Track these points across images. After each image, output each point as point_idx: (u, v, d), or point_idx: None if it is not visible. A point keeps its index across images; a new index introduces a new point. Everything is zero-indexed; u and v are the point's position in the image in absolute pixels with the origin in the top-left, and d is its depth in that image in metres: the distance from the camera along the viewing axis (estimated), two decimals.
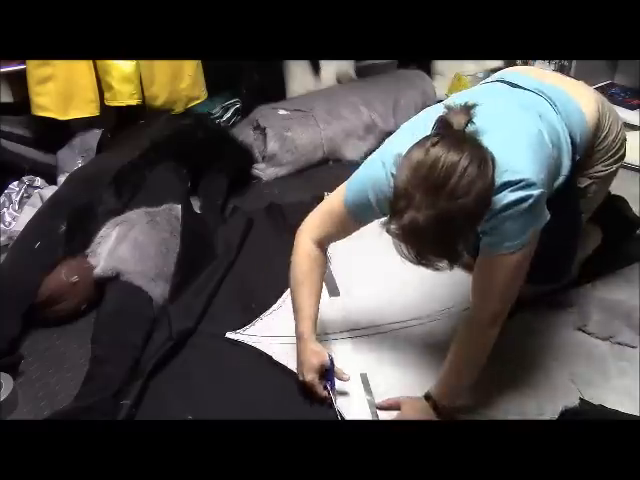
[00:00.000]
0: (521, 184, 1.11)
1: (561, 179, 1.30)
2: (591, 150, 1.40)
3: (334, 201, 1.37)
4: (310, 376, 1.34)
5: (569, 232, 1.45)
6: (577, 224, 1.48)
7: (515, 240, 1.15)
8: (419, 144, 1.07)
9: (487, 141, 1.10)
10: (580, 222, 1.49)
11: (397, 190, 1.06)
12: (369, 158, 1.33)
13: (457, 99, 1.22)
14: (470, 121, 1.09)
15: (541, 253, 1.22)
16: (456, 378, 1.30)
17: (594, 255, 1.69)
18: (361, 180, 1.31)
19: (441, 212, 1.03)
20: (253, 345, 1.55)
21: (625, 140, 1.47)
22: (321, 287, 1.43)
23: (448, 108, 1.12)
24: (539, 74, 1.43)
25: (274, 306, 1.68)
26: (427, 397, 1.30)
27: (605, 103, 1.44)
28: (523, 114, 1.24)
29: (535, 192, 1.12)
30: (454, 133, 1.08)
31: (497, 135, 1.14)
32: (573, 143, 1.31)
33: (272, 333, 1.58)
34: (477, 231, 1.16)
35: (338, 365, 1.42)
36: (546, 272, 1.38)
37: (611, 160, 1.44)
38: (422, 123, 1.22)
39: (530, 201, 1.12)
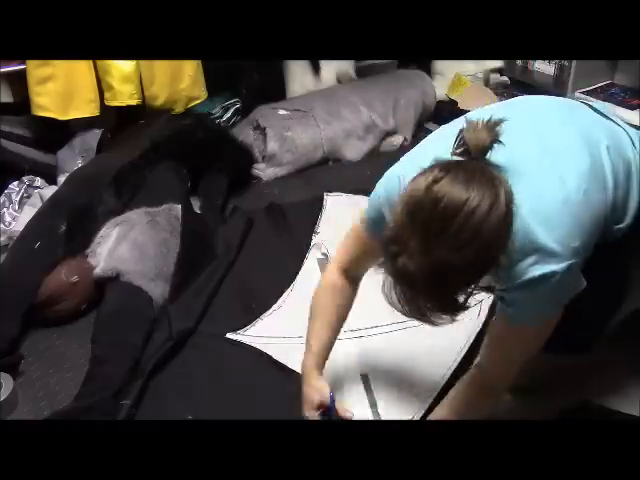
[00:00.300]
0: (547, 258, 0.94)
1: (622, 226, 1.09)
2: None
3: (355, 221, 1.24)
4: (310, 413, 1.26)
5: (608, 294, 1.19)
6: (620, 285, 1.21)
7: (538, 314, 1.02)
8: (423, 174, 0.90)
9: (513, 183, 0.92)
10: (624, 283, 1.21)
11: (389, 230, 0.92)
12: (389, 170, 1.16)
13: (490, 110, 1.04)
14: (494, 143, 0.91)
15: (568, 316, 1.05)
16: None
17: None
18: (378, 194, 1.15)
19: (437, 262, 0.87)
20: (253, 345, 1.55)
21: None
22: (340, 320, 1.30)
23: (469, 123, 0.92)
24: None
25: (274, 306, 1.68)
26: None
27: None
28: (579, 147, 1.02)
29: (562, 266, 0.95)
30: (466, 164, 0.90)
31: (528, 179, 0.95)
32: None
33: (272, 333, 1.58)
34: (492, 287, 1.05)
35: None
36: (569, 340, 1.14)
37: None
38: (451, 133, 0.98)
39: (557, 277, 0.95)
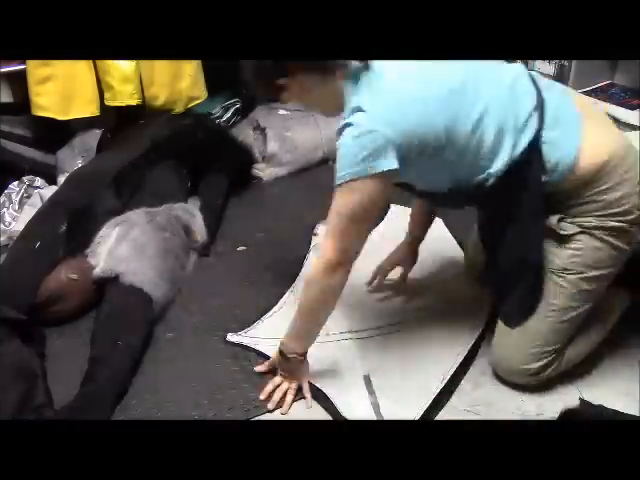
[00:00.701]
0: (356, 114, 1.18)
1: (492, 171, 1.23)
2: (575, 194, 1.24)
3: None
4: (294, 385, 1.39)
5: (524, 246, 1.30)
6: (531, 243, 1.30)
7: (342, 170, 1.17)
8: None
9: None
10: (535, 246, 1.30)
11: None
12: None
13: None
14: None
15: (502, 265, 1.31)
16: (302, 325, 1.33)
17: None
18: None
19: None
20: (254, 347, 1.55)
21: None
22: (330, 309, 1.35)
23: None
24: (578, 100, 1.34)
25: (275, 307, 1.68)
26: (279, 348, 1.37)
27: (631, 163, 1.25)
28: (459, 73, 1.25)
29: (363, 122, 1.16)
30: None
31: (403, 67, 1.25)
32: (535, 156, 1.22)
33: (273, 334, 1.58)
34: None
35: (342, 368, 1.46)
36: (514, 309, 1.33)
37: (610, 218, 1.24)
38: None
39: (357, 130, 1.16)
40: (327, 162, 2.49)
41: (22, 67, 2.09)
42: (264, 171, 2.39)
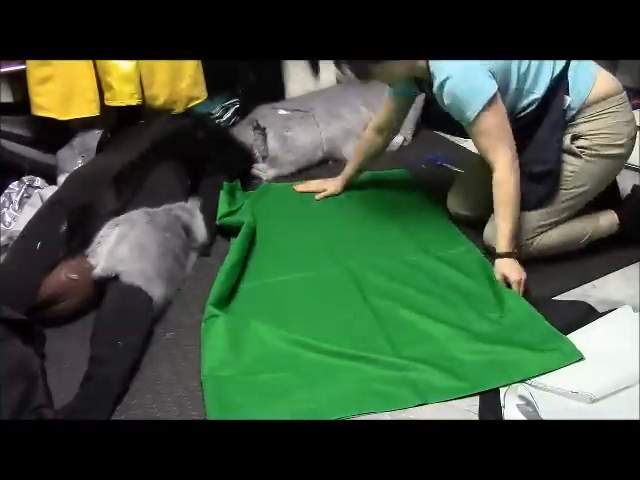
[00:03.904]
0: (456, 67, 1.52)
1: (538, 96, 1.62)
2: (585, 114, 1.62)
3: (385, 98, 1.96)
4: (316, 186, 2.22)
5: (544, 155, 1.64)
6: (552, 153, 1.64)
7: (472, 105, 1.53)
8: None
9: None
10: (554, 153, 1.64)
11: None
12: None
13: None
14: None
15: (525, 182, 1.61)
16: (508, 222, 1.59)
17: (610, 241, 1.79)
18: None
19: None
20: None
21: (632, 139, 1.67)
22: (367, 157, 2.09)
23: None
24: None
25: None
26: (500, 255, 1.63)
27: (626, 101, 1.67)
28: None
29: (464, 67, 1.51)
30: None
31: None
32: (564, 80, 1.59)
33: None
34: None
35: None
36: (526, 196, 1.63)
37: (607, 144, 1.63)
38: None
39: (463, 75, 1.51)
40: (327, 162, 2.50)
41: (22, 67, 2.08)
42: (264, 171, 2.39)
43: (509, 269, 1.60)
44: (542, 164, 1.64)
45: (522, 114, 1.65)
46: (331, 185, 2.18)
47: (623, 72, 2.60)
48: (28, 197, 2.07)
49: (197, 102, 2.41)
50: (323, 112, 2.49)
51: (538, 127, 1.64)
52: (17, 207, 2.03)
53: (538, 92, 1.61)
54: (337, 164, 2.48)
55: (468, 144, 2.48)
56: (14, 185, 2.09)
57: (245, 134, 2.44)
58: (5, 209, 2.01)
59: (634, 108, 2.39)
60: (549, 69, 1.60)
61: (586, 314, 1.55)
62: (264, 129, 2.41)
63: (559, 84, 1.60)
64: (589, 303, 1.60)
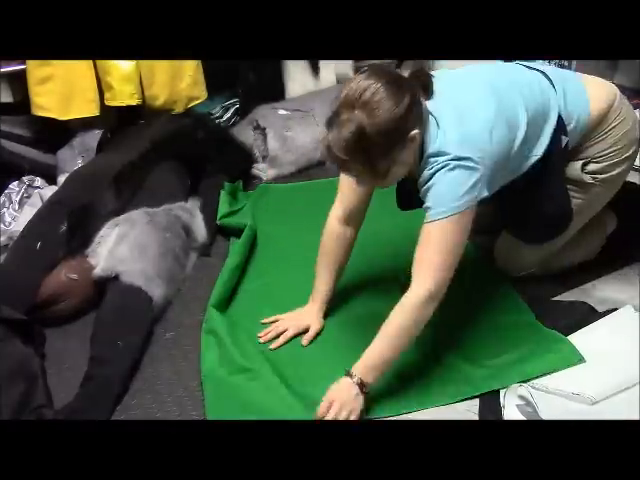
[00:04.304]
0: (450, 157, 1.25)
1: (539, 155, 1.43)
2: (591, 136, 1.50)
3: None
4: (292, 331, 1.53)
5: (554, 202, 1.54)
6: (562, 198, 1.54)
7: (442, 207, 1.26)
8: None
9: (435, 107, 1.30)
10: (565, 197, 1.54)
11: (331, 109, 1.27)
12: None
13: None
14: (421, 77, 1.29)
15: (529, 217, 1.55)
16: (382, 352, 1.29)
17: (611, 239, 1.76)
18: None
19: (357, 127, 1.18)
20: None
21: (637, 141, 1.56)
22: (339, 263, 1.55)
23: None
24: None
25: None
26: (348, 374, 1.29)
27: (624, 102, 1.54)
28: (500, 85, 1.38)
29: (453, 163, 1.25)
30: (384, 69, 1.28)
31: (457, 94, 1.33)
32: (561, 125, 1.43)
33: None
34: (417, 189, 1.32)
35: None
36: (536, 233, 1.59)
37: (617, 161, 1.53)
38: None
39: (451, 171, 1.25)
40: (327, 162, 2.50)
41: (22, 67, 2.08)
42: (264, 171, 2.39)
43: (343, 402, 1.26)
44: (554, 207, 1.53)
45: (524, 173, 1.46)
46: (312, 321, 1.56)
47: (623, 72, 2.60)
48: (28, 197, 2.07)
49: (197, 102, 2.41)
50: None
51: (544, 174, 1.48)
52: (17, 207, 2.03)
53: (540, 151, 1.43)
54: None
55: None
56: (14, 185, 2.09)
57: (245, 134, 2.44)
58: (5, 209, 2.01)
59: (634, 108, 2.40)
60: (549, 127, 1.43)
61: (586, 315, 1.55)
62: (264, 129, 2.41)
63: (557, 131, 1.44)
64: (589, 303, 1.60)
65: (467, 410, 1.35)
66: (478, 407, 1.33)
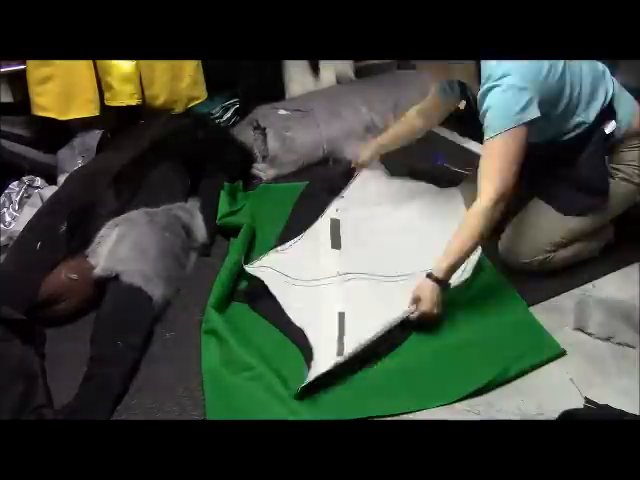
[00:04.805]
0: (507, 79, 1.42)
1: (585, 120, 1.58)
2: (623, 145, 1.64)
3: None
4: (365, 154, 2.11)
5: (595, 174, 1.63)
6: (603, 172, 1.63)
7: (499, 122, 1.44)
8: None
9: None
10: (605, 173, 1.64)
11: None
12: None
13: None
14: None
15: (569, 185, 1.64)
16: (457, 254, 1.49)
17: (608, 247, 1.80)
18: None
19: None
20: (257, 275, 1.70)
21: None
22: (402, 136, 2.05)
23: None
24: None
25: (280, 247, 1.84)
26: (429, 275, 1.50)
27: None
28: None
29: (514, 83, 1.42)
30: None
31: None
32: (612, 109, 1.59)
33: (281, 267, 1.74)
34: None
35: (323, 305, 1.61)
36: (574, 202, 1.66)
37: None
38: None
39: (503, 86, 1.42)
40: (327, 162, 2.50)
41: (22, 67, 2.08)
42: (264, 171, 2.39)
43: (429, 296, 1.50)
44: (592, 179, 1.63)
45: (568, 136, 1.61)
46: (365, 151, 2.14)
47: (623, 72, 2.60)
48: (28, 197, 2.08)
49: (197, 102, 2.41)
50: (323, 112, 2.49)
51: (583, 149, 1.61)
52: (17, 207, 2.03)
53: (587, 117, 1.58)
54: (337, 164, 2.48)
55: (469, 145, 2.49)
56: (14, 185, 2.09)
57: (245, 134, 2.44)
58: (5, 209, 2.01)
59: None
60: (602, 96, 1.59)
61: None
62: (264, 129, 2.41)
63: (607, 111, 1.59)
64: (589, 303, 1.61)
65: (467, 410, 1.35)
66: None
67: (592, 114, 1.58)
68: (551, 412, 1.32)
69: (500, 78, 1.43)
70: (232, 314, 1.63)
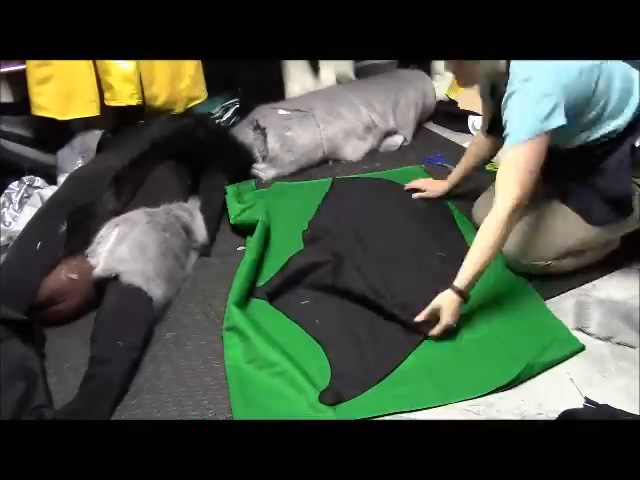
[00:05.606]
0: (530, 83, 1.38)
1: (619, 122, 1.51)
2: None
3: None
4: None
5: (619, 186, 1.56)
6: (626, 184, 1.56)
7: (522, 130, 1.40)
8: None
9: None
10: (629, 184, 1.56)
11: None
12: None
13: None
14: None
15: (593, 193, 1.58)
16: (478, 265, 1.46)
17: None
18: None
19: None
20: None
21: None
22: (474, 162, 1.97)
23: None
24: None
25: None
26: (452, 287, 1.48)
27: None
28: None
29: (539, 88, 1.37)
30: None
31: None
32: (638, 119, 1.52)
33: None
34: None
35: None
36: (597, 211, 1.60)
37: None
38: None
39: (526, 92, 1.38)
40: (327, 162, 2.50)
41: (22, 67, 2.09)
42: (264, 171, 2.39)
43: (449, 309, 1.48)
44: (617, 190, 1.56)
45: (595, 143, 1.55)
46: (437, 186, 2.08)
47: None
48: (28, 197, 2.08)
49: (197, 102, 2.41)
50: (323, 112, 2.49)
51: (608, 158, 1.55)
52: (17, 207, 2.03)
53: (617, 126, 1.51)
54: (337, 164, 2.49)
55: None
56: (14, 185, 2.09)
57: (245, 134, 2.44)
58: (5, 209, 2.01)
59: None
60: (633, 105, 1.51)
61: None
62: (264, 129, 2.41)
63: (637, 122, 1.52)
64: (589, 303, 1.61)
65: (467, 410, 1.35)
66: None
67: (622, 123, 1.51)
68: (551, 412, 1.32)
69: (524, 81, 1.39)
70: (253, 311, 1.63)
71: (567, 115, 1.40)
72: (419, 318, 1.51)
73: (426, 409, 1.34)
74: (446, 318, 1.48)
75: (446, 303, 1.48)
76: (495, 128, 1.71)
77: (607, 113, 1.50)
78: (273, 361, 1.44)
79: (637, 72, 1.54)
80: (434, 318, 1.51)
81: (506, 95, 1.43)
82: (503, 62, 1.48)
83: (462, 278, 1.47)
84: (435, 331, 1.50)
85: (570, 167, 1.61)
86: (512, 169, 1.42)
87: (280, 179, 2.38)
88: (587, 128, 1.52)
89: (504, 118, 1.45)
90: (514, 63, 1.42)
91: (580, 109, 1.46)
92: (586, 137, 1.54)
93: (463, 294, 1.48)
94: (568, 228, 1.64)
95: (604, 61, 1.45)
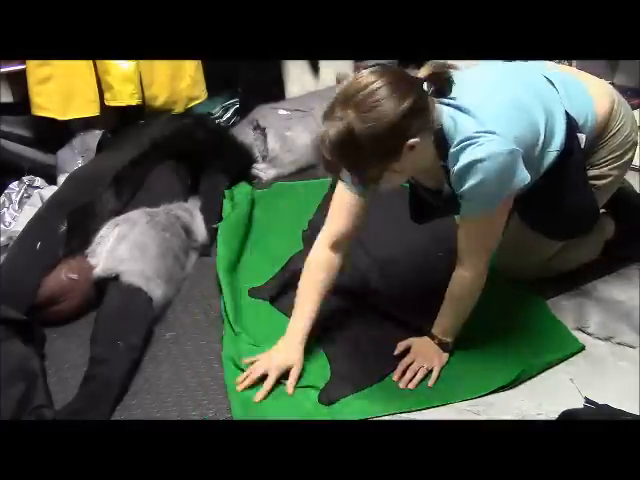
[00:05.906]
0: (489, 139, 1.18)
1: (553, 150, 1.36)
2: (596, 143, 1.46)
3: (336, 192, 1.45)
4: (274, 373, 1.37)
5: (581, 197, 1.48)
6: (589, 193, 1.48)
7: (493, 199, 1.25)
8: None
9: (460, 93, 1.21)
10: (590, 194, 1.49)
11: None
12: None
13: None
14: (441, 76, 1.19)
15: (556, 215, 1.47)
16: (451, 320, 1.42)
17: (610, 243, 1.73)
18: None
19: (346, 127, 1.13)
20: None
21: (635, 145, 1.53)
22: (324, 292, 1.44)
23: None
24: (552, 66, 1.52)
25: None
26: (432, 336, 1.43)
27: (622, 103, 1.50)
28: (510, 81, 1.35)
29: (496, 149, 1.18)
30: (393, 69, 1.19)
31: (472, 90, 1.25)
32: (572, 122, 1.38)
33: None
34: (455, 194, 1.27)
35: None
36: (564, 230, 1.53)
37: (616, 163, 1.50)
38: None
39: (501, 158, 1.18)
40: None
41: (22, 67, 2.09)
42: (264, 171, 2.39)
43: (429, 354, 1.41)
44: (577, 207, 1.48)
45: (546, 170, 1.39)
46: (294, 359, 1.41)
47: (623, 72, 2.60)
48: (28, 197, 2.08)
49: (197, 102, 2.41)
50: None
51: (563, 174, 1.42)
52: (17, 207, 2.03)
53: (557, 146, 1.36)
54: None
55: None
56: (14, 185, 2.09)
57: (245, 134, 2.44)
58: (5, 209, 2.01)
59: (634, 108, 2.40)
60: (561, 119, 1.37)
61: None
62: (264, 129, 2.41)
63: (570, 128, 1.38)
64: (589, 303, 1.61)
65: (467, 410, 1.35)
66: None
67: (558, 142, 1.37)
68: (551, 412, 1.32)
69: (479, 144, 1.18)
70: (253, 310, 1.63)
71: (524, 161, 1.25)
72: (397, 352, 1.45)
73: (426, 409, 1.34)
74: (423, 365, 1.40)
75: (424, 350, 1.42)
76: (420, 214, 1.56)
77: (547, 137, 1.35)
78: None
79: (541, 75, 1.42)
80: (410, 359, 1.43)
81: (459, 168, 1.21)
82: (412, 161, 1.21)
83: (439, 328, 1.42)
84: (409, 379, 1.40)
85: (531, 200, 1.45)
86: (481, 238, 1.33)
87: (280, 179, 2.38)
88: (536, 164, 1.35)
89: (461, 190, 1.23)
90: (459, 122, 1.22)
91: (531, 148, 1.30)
92: (537, 172, 1.37)
93: (442, 344, 1.42)
94: (540, 245, 1.59)
95: (519, 84, 1.34)
